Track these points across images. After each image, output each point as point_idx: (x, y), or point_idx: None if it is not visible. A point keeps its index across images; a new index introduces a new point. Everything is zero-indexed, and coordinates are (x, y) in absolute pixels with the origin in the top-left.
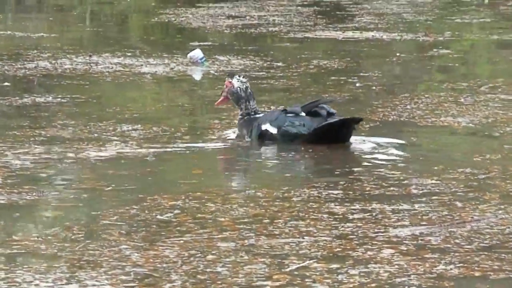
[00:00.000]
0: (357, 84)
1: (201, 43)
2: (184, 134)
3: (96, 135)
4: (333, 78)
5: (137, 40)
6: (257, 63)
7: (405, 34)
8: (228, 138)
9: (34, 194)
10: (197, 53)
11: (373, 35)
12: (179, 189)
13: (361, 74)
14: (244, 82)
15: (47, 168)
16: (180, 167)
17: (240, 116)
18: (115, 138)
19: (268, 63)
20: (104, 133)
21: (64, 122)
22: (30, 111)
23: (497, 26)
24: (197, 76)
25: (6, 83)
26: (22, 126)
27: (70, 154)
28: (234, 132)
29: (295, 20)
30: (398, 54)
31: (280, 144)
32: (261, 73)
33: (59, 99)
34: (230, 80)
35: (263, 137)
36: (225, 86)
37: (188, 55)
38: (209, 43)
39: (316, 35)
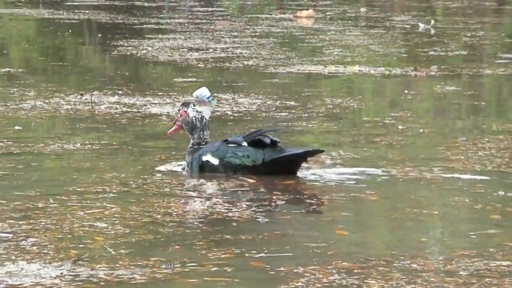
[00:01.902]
0: (400, 127)
1: (186, 79)
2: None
3: (166, 189)
4: (365, 119)
5: (112, 75)
6: (267, 103)
7: (392, 68)
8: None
9: (163, 267)
10: (204, 92)
11: (359, 70)
12: (325, 259)
13: (393, 114)
14: (199, 112)
15: (154, 233)
16: (315, 228)
17: (191, 145)
18: (194, 194)
19: (279, 102)
20: (180, 189)
21: (113, 175)
22: (77, 160)
23: (476, 60)
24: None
25: (16, 127)
26: (85, 183)
27: (157, 216)
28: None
29: (263, 53)
30: (406, 92)
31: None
32: (282, 113)
33: (89, 146)
34: (185, 110)
35: (204, 169)
36: (179, 115)
37: (194, 93)
38: (193, 79)
39: (299, 70)
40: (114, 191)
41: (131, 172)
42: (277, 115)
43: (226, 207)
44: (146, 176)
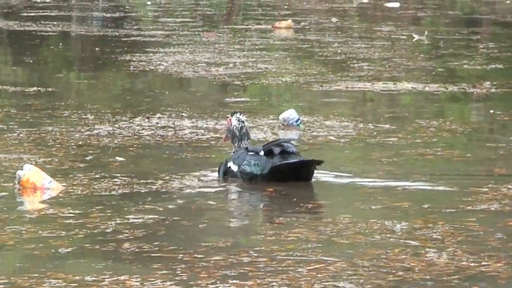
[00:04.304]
0: None
1: (238, 99)
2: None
3: (376, 237)
4: (489, 144)
5: (154, 95)
6: (360, 125)
7: (445, 85)
8: None
9: None
10: (292, 114)
11: (412, 87)
12: None
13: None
14: (242, 121)
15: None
16: None
17: (232, 153)
18: (415, 242)
19: (371, 124)
20: (393, 236)
21: (290, 217)
22: (217, 197)
23: None
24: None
25: (119, 158)
26: (268, 229)
27: (399, 272)
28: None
29: (290, 67)
30: (492, 111)
31: None
32: (392, 139)
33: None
34: (230, 118)
35: (227, 175)
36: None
37: (281, 116)
38: (246, 99)
39: (347, 88)
40: (312, 239)
41: (309, 212)
42: (389, 141)
43: (470, 259)
44: (333, 219)
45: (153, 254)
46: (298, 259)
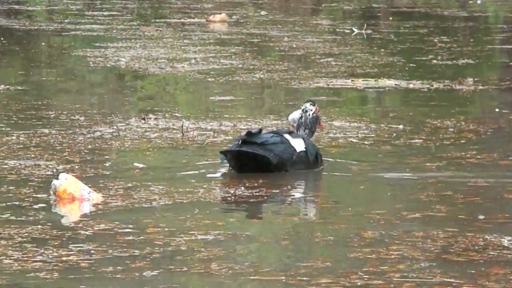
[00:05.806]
0: None
1: (224, 98)
2: None
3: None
4: None
5: (128, 94)
6: (372, 126)
7: (429, 82)
8: None
9: None
10: None
11: (396, 84)
12: None
13: None
14: (304, 111)
15: None
16: None
17: None
18: None
19: (384, 125)
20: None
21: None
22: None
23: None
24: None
25: (138, 165)
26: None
27: None
28: None
29: (257, 63)
30: (497, 110)
31: None
32: (417, 140)
33: (263, 189)
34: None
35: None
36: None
37: (290, 117)
38: (231, 97)
39: (328, 85)
40: (419, 257)
41: (391, 225)
42: (415, 143)
43: None
44: (424, 232)
45: (251, 277)
46: (417, 281)
